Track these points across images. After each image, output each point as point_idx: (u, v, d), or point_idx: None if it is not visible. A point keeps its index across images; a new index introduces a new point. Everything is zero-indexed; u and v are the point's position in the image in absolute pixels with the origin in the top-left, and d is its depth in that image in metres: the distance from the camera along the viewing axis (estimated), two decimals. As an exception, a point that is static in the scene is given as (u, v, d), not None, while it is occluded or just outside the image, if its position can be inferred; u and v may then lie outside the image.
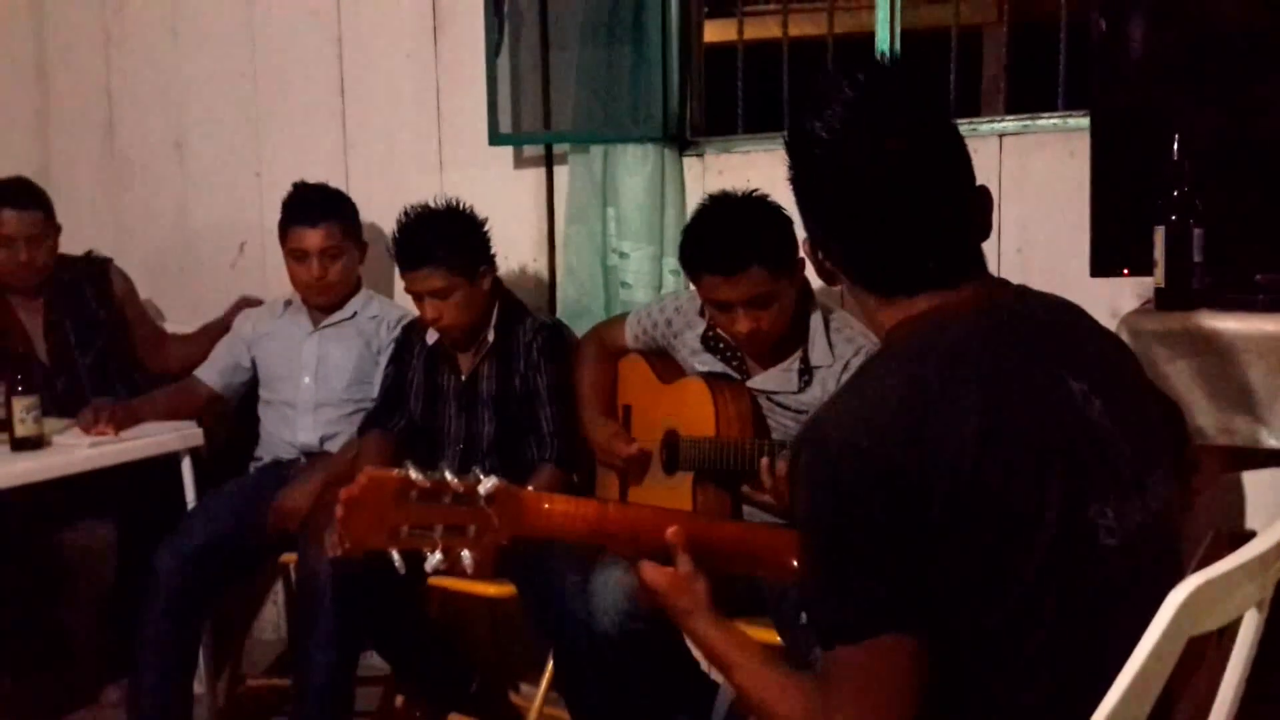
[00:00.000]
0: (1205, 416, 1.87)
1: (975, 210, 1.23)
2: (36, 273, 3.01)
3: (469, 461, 2.64)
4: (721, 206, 2.26)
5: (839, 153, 1.18)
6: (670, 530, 1.32)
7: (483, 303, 2.61)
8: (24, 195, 3.00)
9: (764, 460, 2.08)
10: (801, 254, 2.05)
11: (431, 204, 2.61)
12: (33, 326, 3.07)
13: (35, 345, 3.05)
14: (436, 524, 1.24)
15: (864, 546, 1.09)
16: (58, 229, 3.08)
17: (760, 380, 2.28)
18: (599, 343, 2.61)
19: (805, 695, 1.16)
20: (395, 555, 1.24)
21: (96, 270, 3.14)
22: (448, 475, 1.25)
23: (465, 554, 1.26)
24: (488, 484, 1.26)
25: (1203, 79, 2.09)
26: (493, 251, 2.65)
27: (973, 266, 1.22)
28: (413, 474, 1.23)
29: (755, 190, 2.25)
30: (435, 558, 1.25)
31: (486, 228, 2.64)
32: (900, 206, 1.18)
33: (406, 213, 2.60)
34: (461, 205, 2.63)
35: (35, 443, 2.54)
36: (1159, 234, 1.96)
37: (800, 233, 1.34)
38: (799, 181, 1.24)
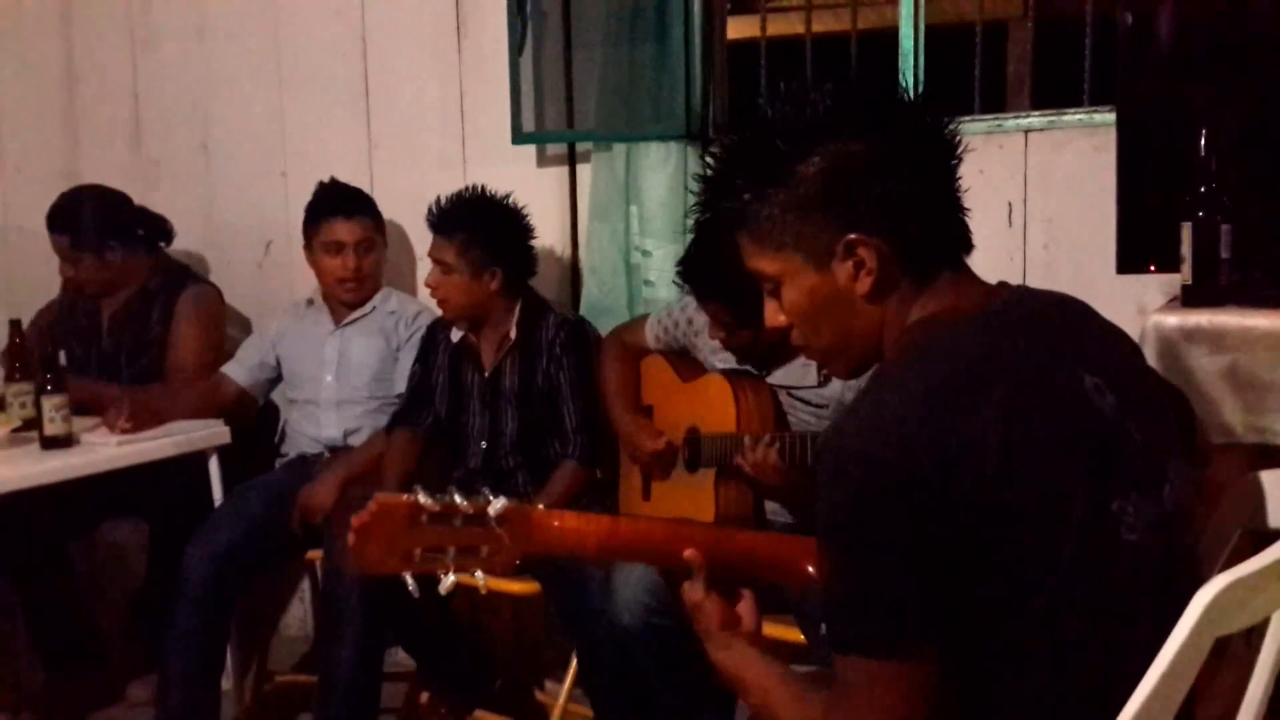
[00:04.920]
0: (1232, 414, 1.86)
1: None
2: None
3: (493, 458, 2.65)
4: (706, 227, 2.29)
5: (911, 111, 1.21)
6: (688, 553, 1.31)
7: (481, 301, 2.64)
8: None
9: (747, 440, 2.09)
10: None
11: (497, 195, 2.67)
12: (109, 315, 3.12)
13: (99, 337, 3.10)
14: (449, 546, 1.25)
15: (885, 561, 1.08)
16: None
17: (781, 375, 2.28)
18: (620, 345, 2.61)
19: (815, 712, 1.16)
20: (409, 579, 1.25)
21: (174, 290, 3.10)
22: (457, 498, 1.25)
23: (479, 574, 1.27)
24: (497, 505, 1.26)
25: (1230, 74, 2.08)
26: (531, 268, 2.72)
27: (968, 270, 1.25)
28: (422, 498, 1.24)
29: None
30: (449, 580, 1.26)
31: (532, 243, 2.69)
32: (944, 166, 1.21)
33: (468, 187, 2.69)
34: (518, 209, 2.68)
35: (65, 441, 2.56)
36: (1186, 230, 1.94)
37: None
38: (861, 148, 1.18)
